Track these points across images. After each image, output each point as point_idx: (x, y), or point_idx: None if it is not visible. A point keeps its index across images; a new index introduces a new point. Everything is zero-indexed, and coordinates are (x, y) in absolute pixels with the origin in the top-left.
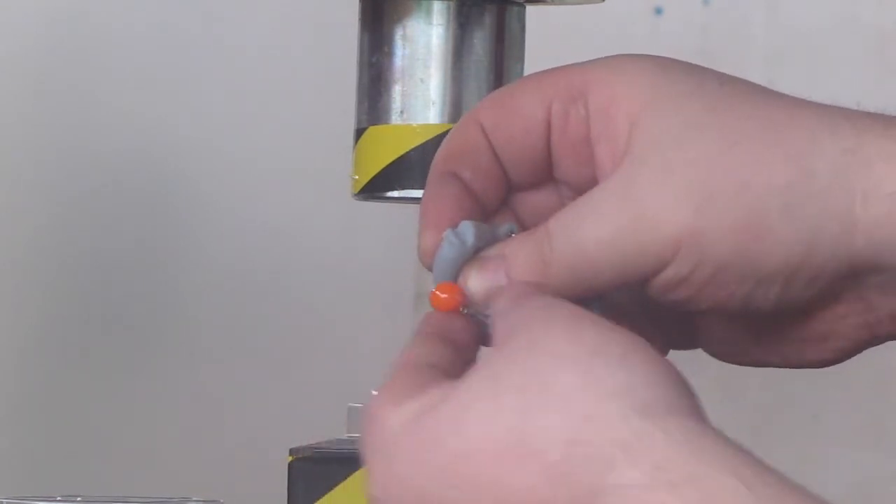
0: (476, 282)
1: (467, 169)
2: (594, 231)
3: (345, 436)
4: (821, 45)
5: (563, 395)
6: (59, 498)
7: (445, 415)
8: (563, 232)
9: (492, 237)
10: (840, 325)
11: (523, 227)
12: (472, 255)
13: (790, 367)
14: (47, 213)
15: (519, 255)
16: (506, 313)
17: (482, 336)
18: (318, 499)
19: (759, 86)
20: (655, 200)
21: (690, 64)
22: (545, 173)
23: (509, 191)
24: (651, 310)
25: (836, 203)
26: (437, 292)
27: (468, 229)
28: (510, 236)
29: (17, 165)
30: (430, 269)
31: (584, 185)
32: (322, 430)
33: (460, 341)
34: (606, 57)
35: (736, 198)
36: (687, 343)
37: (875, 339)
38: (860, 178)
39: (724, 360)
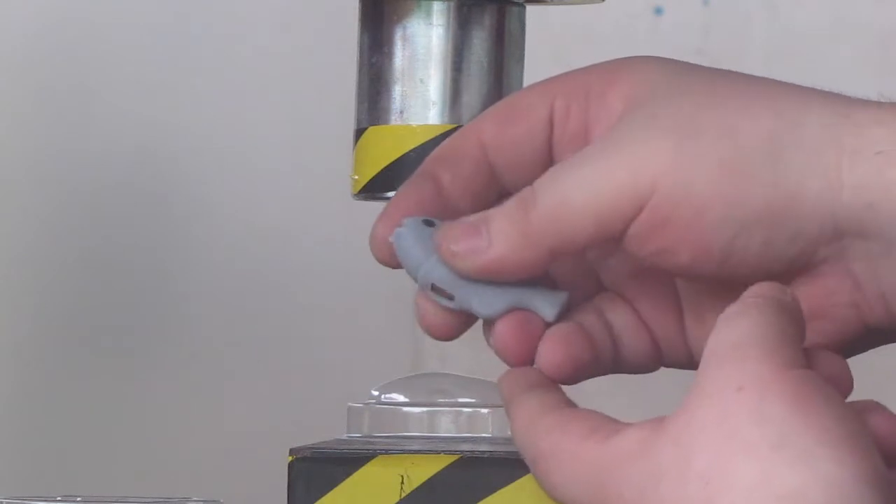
0: (456, 238)
1: (448, 172)
2: (573, 177)
3: (345, 436)
4: (821, 45)
5: (740, 491)
6: (59, 498)
7: (645, 467)
8: (545, 184)
9: None
10: (827, 302)
11: None
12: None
13: None
14: (46, 213)
15: (500, 212)
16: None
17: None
18: (318, 499)
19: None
20: (634, 143)
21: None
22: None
23: (499, 198)
24: (647, 307)
25: (823, 157)
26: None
27: (412, 220)
28: None
29: (16, 165)
30: (381, 260)
31: None
32: (322, 430)
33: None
34: (608, 60)
35: (718, 139)
36: (683, 357)
37: (866, 329)
38: (849, 136)
39: None
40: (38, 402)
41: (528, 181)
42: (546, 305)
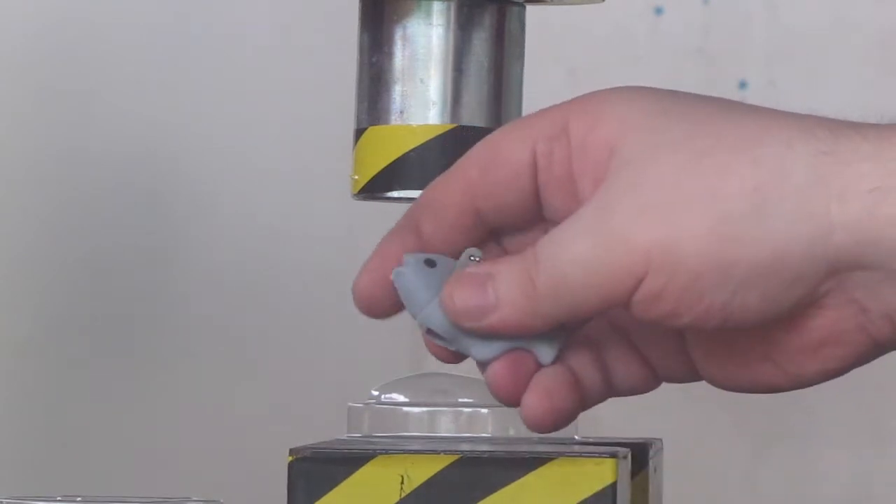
0: (463, 298)
1: (430, 222)
2: (570, 252)
3: (345, 436)
4: (821, 45)
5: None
6: (59, 498)
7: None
8: (545, 254)
9: (452, 264)
10: (836, 330)
11: None
12: (443, 277)
13: (797, 387)
14: (46, 213)
15: (508, 274)
16: None
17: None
18: (318, 499)
19: (738, 102)
20: (624, 217)
21: (668, 89)
22: (535, 215)
23: (499, 235)
24: (647, 343)
25: (811, 202)
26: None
27: (413, 258)
28: (475, 261)
29: (16, 165)
30: (364, 310)
31: None
32: (322, 430)
33: None
34: (585, 94)
35: (703, 204)
36: (688, 374)
37: (877, 346)
38: (837, 177)
39: (729, 389)
40: (38, 403)
41: (516, 224)
42: (544, 349)
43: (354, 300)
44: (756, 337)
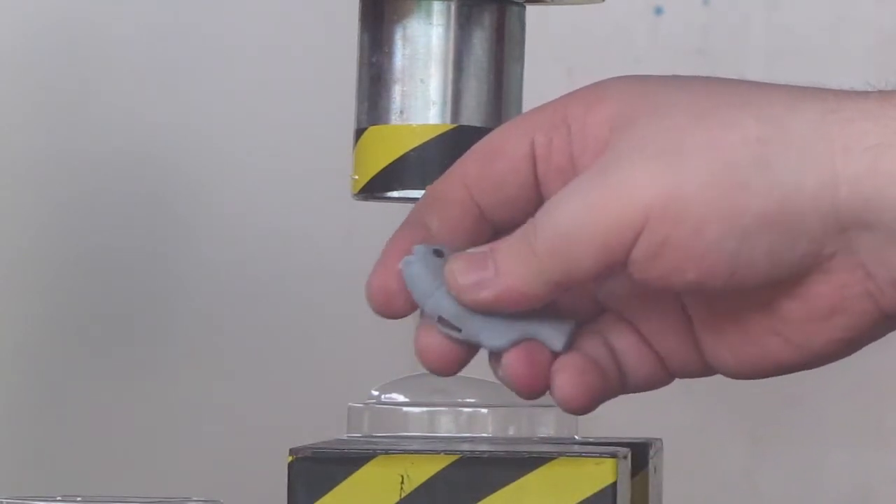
0: (464, 273)
1: (435, 217)
2: (567, 209)
3: (345, 436)
4: (821, 45)
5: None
6: (59, 498)
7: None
8: (543, 219)
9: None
10: (842, 297)
11: None
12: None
13: (807, 364)
14: (47, 214)
15: (507, 247)
16: None
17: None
18: (318, 499)
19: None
20: (625, 170)
21: (666, 75)
22: (536, 209)
23: (491, 237)
24: (655, 331)
25: (815, 156)
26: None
27: (423, 248)
28: None
29: (16, 165)
30: (378, 309)
31: None
32: (322, 430)
33: None
34: (583, 86)
35: (707, 153)
36: (697, 364)
37: (885, 317)
38: (840, 132)
39: (738, 375)
40: (38, 402)
41: (518, 219)
42: (554, 336)
43: (368, 299)
44: (762, 308)
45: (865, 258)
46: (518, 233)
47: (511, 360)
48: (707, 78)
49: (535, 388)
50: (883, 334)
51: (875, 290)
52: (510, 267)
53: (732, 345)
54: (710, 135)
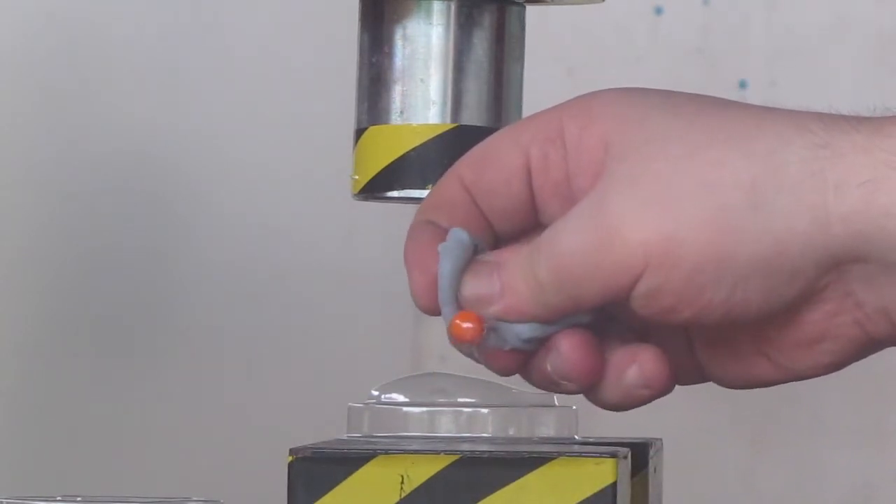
0: (470, 287)
1: (444, 219)
2: (570, 247)
3: (345, 436)
4: (821, 45)
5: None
6: (59, 498)
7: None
8: (546, 244)
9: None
10: (831, 324)
11: None
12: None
13: (788, 381)
14: (47, 214)
15: (513, 264)
16: None
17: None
18: (318, 499)
19: (731, 100)
20: (621, 214)
21: (660, 89)
22: (531, 220)
23: (496, 240)
24: (661, 342)
25: (807, 195)
26: (459, 322)
27: (458, 233)
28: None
29: (16, 165)
30: (426, 310)
31: None
32: (322, 430)
33: None
34: (578, 96)
35: (700, 198)
36: (696, 374)
37: (872, 342)
38: (833, 169)
39: (724, 385)
40: (38, 402)
41: (516, 228)
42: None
43: (417, 303)
44: (752, 333)
45: (856, 287)
46: (524, 253)
47: (568, 346)
48: (700, 100)
49: (595, 372)
50: (867, 356)
51: (863, 318)
52: (515, 286)
53: (723, 362)
54: (702, 175)
